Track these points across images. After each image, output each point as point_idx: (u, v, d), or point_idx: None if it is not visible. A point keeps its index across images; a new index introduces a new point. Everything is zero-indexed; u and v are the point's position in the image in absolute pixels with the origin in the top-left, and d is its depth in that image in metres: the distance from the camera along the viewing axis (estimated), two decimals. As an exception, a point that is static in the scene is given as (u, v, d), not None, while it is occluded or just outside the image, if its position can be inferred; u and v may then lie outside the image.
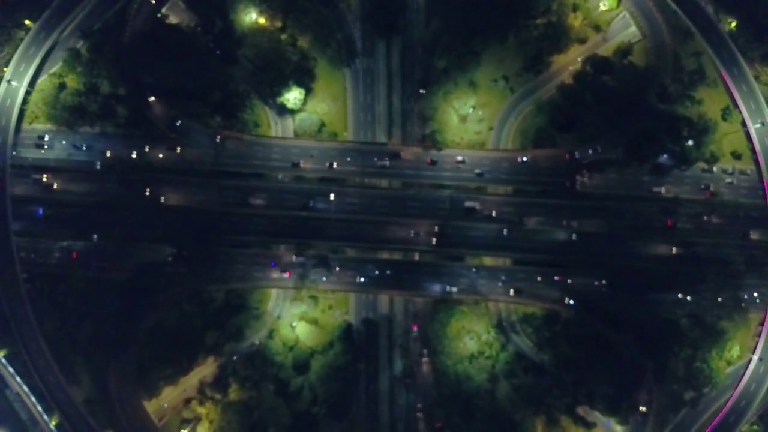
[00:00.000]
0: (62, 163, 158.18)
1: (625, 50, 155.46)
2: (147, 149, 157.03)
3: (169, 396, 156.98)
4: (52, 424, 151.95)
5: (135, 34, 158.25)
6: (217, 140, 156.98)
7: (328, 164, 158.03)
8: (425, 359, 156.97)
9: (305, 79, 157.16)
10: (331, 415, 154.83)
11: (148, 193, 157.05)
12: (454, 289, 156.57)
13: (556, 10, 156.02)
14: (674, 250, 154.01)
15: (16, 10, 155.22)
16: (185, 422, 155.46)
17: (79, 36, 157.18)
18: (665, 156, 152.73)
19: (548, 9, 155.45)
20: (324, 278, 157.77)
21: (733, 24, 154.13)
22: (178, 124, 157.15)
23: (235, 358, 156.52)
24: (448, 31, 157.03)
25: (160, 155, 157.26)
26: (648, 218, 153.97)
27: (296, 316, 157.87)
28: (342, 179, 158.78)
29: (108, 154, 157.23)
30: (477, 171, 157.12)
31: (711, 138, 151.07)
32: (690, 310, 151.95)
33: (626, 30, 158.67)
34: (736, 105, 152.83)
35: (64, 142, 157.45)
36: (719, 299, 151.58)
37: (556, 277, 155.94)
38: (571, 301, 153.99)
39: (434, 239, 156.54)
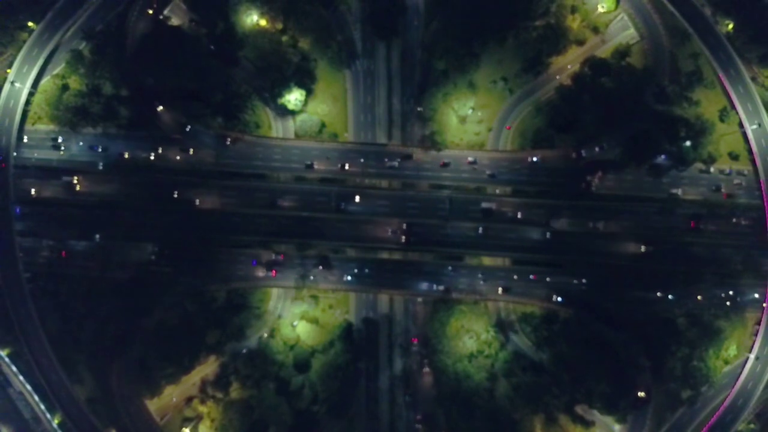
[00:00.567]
0: (82, 165, 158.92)
1: (623, 52, 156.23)
2: (160, 150, 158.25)
3: (172, 393, 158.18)
4: (55, 422, 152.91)
5: (137, 35, 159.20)
6: (228, 143, 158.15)
7: (340, 166, 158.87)
8: (426, 369, 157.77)
9: (306, 81, 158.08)
10: (331, 413, 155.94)
11: (176, 196, 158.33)
12: (441, 288, 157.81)
13: (555, 12, 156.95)
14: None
15: (19, 12, 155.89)
16: (187, 421, 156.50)
17: (82, 38, 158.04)
18: (663, 157, 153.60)
19: (547, 11, 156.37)
20: (326, 278, 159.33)
21: (731, 26, 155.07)
22: (187, 129, 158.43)
23: (244, 351, 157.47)
24: (447, 33, 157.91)
25: (178, 157, 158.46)
26: (668, 219, 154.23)
27: (297, 315, 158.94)
28: (362, 182, 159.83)
29: (126, 155, 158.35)
30: (488, 172, 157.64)
31: (708, 139, 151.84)
32: (687, 310, 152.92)
33: (624, 32, 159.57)
34: (733, 106, 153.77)
35: (81, 143, 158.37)
36: (716, 299, 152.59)
37: (531, 276, 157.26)
38: (559, 299, 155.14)
39: (403, 237, 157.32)
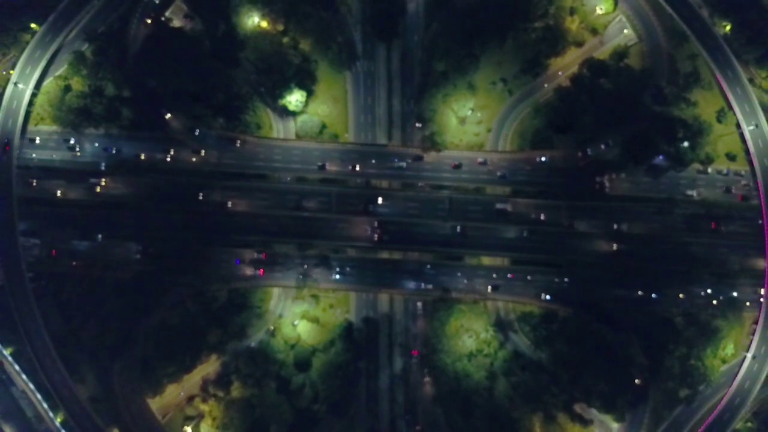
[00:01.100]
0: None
1: (621, 53, 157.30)
2: (172, 152, 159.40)
3: (179, 389, 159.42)
4: (57, 421, 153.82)
5: (139, 37, 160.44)
6: (238, 144, 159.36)
7: (350, 167, 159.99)
8: (426, 379, 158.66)
9: (307, 82, 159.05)
10: (331, 412, 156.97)
11: (201, 197, 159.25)
12: (430, 287, 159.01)
13: (554, 14, 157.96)
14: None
15: (22, 14, 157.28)
16: (188, 419, 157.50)
17: (84, 39, 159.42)
18: (661, 157, 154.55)
19: (546, 13, 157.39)
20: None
21: (728, 27, 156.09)
22: (196, 133, 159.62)
23: (253, 345, 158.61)
24: (447, 35, 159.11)
25: (194, 159, 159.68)
26: (687, 221, 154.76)
27: (298, 314, 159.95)
28: (379, 183, 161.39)
29: (142, 156, 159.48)
30: (499, 173, 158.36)
31: (706, 140, 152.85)
32: (685, 309, 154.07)
33: (622, 33, 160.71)
34: (730, 107, 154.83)
35: (96, 145, 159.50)
36: (714, 298, 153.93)
37: (509, 275, 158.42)
38: (548, 297, 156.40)
39: (376, 236, 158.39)
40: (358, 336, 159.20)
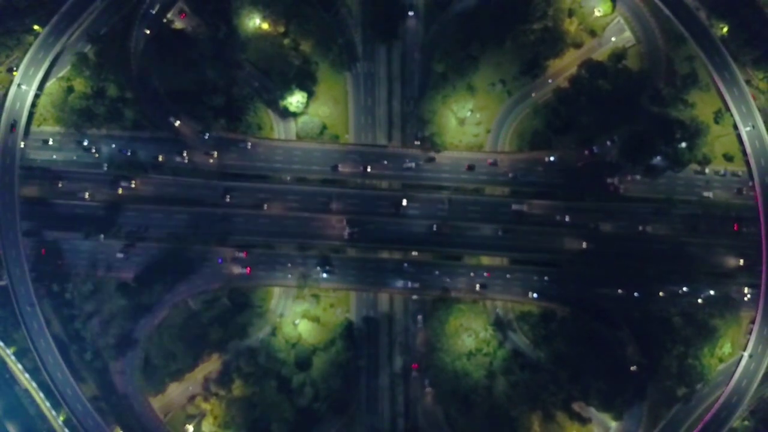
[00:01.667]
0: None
1: (619, 55, 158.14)
2: (185, 154, 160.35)
3: (185, 387, 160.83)
4: (60, 419, 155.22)
5: (141, 39, 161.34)
6: (248, 146, 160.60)
7: (362, 168, 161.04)
8: (428, 389, 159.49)
9: (307, 83, 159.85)
10: (332, 410, 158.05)
11: (228, 199, 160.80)
12: (417, 285, 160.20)
13: (552, 16, 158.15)
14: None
15: (25, 16, 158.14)
16: (190, 418, 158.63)
17: (87, 40, 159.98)
18: (658, 158, 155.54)
19: (544, 14, 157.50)
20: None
21: (725, 29, 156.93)
22: (206, 137, 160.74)
23: (254, 343, 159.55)
24: (446, 37, 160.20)
25: (211, 160, 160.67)
26: (710, 222, 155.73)
27: (298, 314, 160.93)
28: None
29: (160, 158, 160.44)
30: (510, 175, 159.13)
31: (703, 140, 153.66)
32: (683, 308, 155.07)
33: (621, 35, 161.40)
34: (727, 108, 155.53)
35: (113, 146, 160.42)
36: (712, 298, 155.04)
37: (485, 274, 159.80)
38: (535, 295, 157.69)
39: (345, 233, 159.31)
40: (358, 335, 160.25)
